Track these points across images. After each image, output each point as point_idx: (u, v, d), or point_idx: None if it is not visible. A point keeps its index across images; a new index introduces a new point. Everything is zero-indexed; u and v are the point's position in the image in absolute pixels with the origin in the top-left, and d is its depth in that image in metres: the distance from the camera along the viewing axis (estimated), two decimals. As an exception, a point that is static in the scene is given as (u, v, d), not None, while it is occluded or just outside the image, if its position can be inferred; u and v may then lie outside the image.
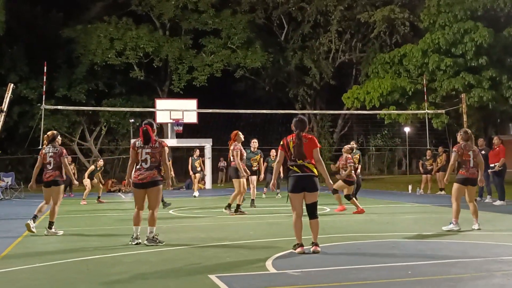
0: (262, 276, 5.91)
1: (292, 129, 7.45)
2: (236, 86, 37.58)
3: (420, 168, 21.17)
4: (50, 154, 9.98)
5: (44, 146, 10.20)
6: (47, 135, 10.16)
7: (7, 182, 22.02)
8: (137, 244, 8.11)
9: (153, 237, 8.17)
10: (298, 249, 7.26)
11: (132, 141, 8.58)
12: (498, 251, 7.26)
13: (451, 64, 24.47)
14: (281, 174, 14.07)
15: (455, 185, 9.61)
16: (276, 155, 8.34)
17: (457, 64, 24.66)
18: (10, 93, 13.76)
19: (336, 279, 5.68)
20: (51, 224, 9.86)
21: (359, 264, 6.39)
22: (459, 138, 9.76)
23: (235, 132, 12.89)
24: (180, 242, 8.47)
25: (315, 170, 7.33)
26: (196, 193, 20.34)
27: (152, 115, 28.76)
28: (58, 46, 31.45)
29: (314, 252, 7.21)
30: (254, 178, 15.52)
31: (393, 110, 26.17)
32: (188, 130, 29.20)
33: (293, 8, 33.88)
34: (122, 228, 10.60)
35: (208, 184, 27.31)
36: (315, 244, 7.35)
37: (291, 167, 7.32)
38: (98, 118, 33.27)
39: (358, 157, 15.63)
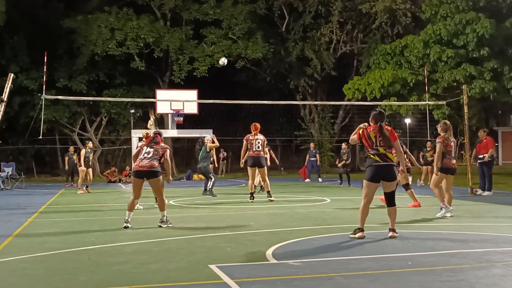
0: (262, 266, 5.93)
1: (370, 122, 7.77)
2: (237, 76, 37.49)
3: (421, 160, 21.15)
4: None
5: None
6: (144, 134, 12.09)
7: (8, 172, 22.04)
8: (125, 228, 8.89)
9: (166, 219, 9.18)
10: (359, 234, 7.55)
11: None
12: (499, 242, 7.27)
13: (453, 55, 24.40)
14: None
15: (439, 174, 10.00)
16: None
17: (458, 55, 24.58)
18: (10, 83, 13.73)
19: (337, 269, 5.68)
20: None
21: (360, 255, 6.41)
22: (439, 129, 10.11)
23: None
24: (181, 232, 8.50)
25: (394, 160, 7.62)
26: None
27: (153, 105, 28.74)
28: (59, 37, 31.36)
29: (391, 237, 7.51)
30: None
31: (394, 101, 26.12)
32: (188, 121, 29.16)
33: (294, -1, 33.77)
34: (123, 218, 10.61)
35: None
36: (392, 230, 7.66)
37: (372, 156, 7.59)
38: (99, 109, 33.22)
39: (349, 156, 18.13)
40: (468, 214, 10.52)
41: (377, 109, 7.98)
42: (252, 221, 9.70)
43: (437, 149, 9.97)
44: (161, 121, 32.74)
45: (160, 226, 9.05)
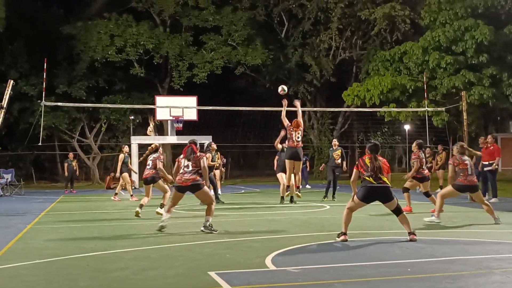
0: (261, 273, 5.92)
1: (366, 152, 8.23)
2: (237, 83, 37.51)
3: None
4: (151, 158, 12.04)
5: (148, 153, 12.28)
6: (151, 147, 12.26)
7: (7, 179, 22.00)
8: (160, 227, 9.27)
9: (209, 224, 9.20)
10: (342, 237, 7.89)
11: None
12: (498, 248, 7.27)
13: (452, 61, 24.46)
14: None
15: (451, 188, 10.01)
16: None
17: (457, 61, 24.64)
18: (10, 90, 13.74)
19: (336, 276, 5.68)
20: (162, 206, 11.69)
21: (359, 261, 6.40)
22: (455, 151, 10.17)
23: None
24: (180, 239, 8.49)
25: (388, 182, 8.05)
26: (219, 191, 17.38)
27: (152, 112, 28.75)
28: (59, 43, 31.38)
29: (411, 240, 7.80)
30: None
31: (393, 107, 26.16)
32: (188, 127, 29.17)
33: (294, 5, 33.80)
34: (123, 224, 10.62)
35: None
36: (412, 233, 7.94)
37: (367, 178, 7.96)
38: (98, 115, 33.20)
39: (339, 153, 16.28)
40: (467, 221, 10.51)
41: (372, 141, 8.43)
42: (251, 228, 9.69)
43: (449, 171, 10.17)
44: (160, 128, 32.74)
45: (203, 231, 9.19)
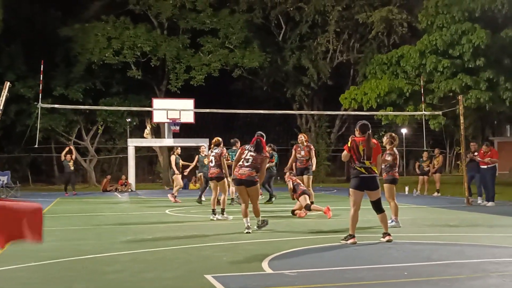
0: (258, 276, 5.91)
1: (357, 133, 8.09)
2: (234, 85, 37.54)
3: (417, 170, 21.16)
4: (213, 154, 11.65)
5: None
6: (213, 141, 12.01)
7: (3, 181, 21.95)
8: (247, 232, 9.29)
9: (262, 222, 9.76)
10: (351, 240, 7.82)
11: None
12: (495, 252, 7.27)
13: (449, 65, 24.52)
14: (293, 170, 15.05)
15: (390, 186, 10.03)
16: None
17: (454, 65, 24.70)
18: (7, 92, 13.70)
19: (333, 279, 5.68)
20: (223, 211, 11.61)
21: (356, 265, 6.40)
22: (390, 143, 10.15)
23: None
24: (177, 241, 8.47)
25: (377, 171, 8.09)
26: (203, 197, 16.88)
27: (149, 114, 28.73)
28: (56, 45, 31.36)
29: (388, 241, 7.95)
30: None
31: (390, 111, 26.20)
32: (185, 130, 29.17)
33: (291, 8, 33.88)
34: (119, 227, 10.61)
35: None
36: (387, 234, 8.06)
37: (358, 168, 7.95)
38: (95, 117, 33.20)
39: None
40: (464, 224, 10.53)
41: (363, 120, 8.26)
42: (247, 231, 9.66)
43: (389, 160, 10.07)
44: (157, 130, 32.72)
45: (257, 230, 9.60)
